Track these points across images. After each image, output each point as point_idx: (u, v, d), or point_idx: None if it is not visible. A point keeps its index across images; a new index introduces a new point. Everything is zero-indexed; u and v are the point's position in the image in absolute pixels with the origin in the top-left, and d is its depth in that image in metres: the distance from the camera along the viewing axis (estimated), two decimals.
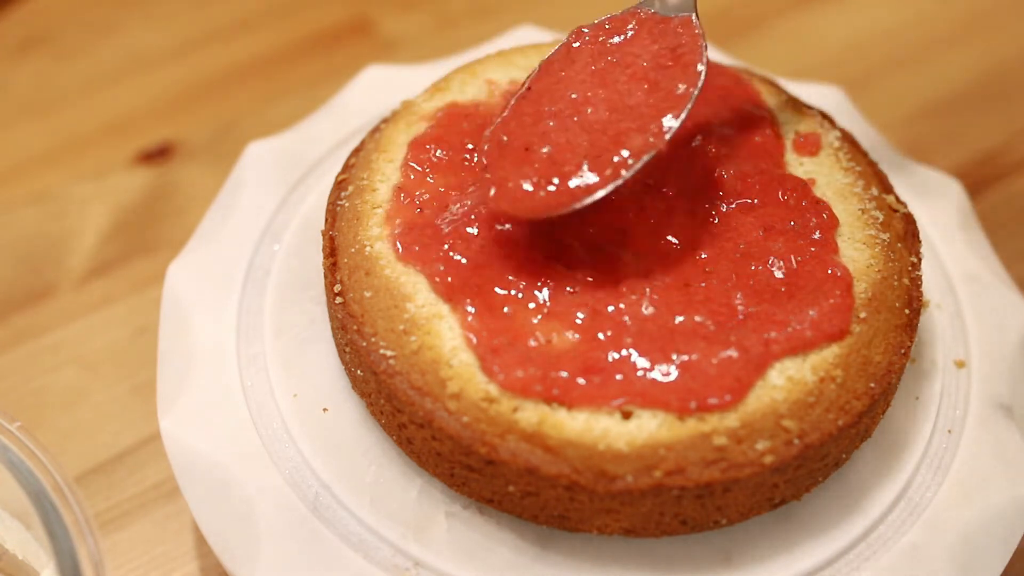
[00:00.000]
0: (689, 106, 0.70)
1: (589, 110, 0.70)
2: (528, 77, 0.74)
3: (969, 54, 1.19)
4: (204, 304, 0.78)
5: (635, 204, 0.73)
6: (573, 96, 0.71)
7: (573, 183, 0.68)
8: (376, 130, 0.81)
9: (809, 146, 0.78)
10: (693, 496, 0.65)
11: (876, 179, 0.78)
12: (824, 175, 0.77)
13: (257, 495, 0.70)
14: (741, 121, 0.79)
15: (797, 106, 0.82)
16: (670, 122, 0.69)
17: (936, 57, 1.19)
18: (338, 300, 0.71)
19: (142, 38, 1.19)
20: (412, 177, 0.74)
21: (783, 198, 0.74)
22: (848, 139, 0.81)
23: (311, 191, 0.85)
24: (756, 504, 0.68)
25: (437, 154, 0.75)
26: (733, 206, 0.73)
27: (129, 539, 0.82)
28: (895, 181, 0.82)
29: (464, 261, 0.69)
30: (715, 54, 0.95)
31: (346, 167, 0.79)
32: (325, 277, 0.74)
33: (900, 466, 0.72)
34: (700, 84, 0.71)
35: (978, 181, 1.06)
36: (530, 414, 0.65)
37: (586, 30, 0.74)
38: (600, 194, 0.67)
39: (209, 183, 1.02)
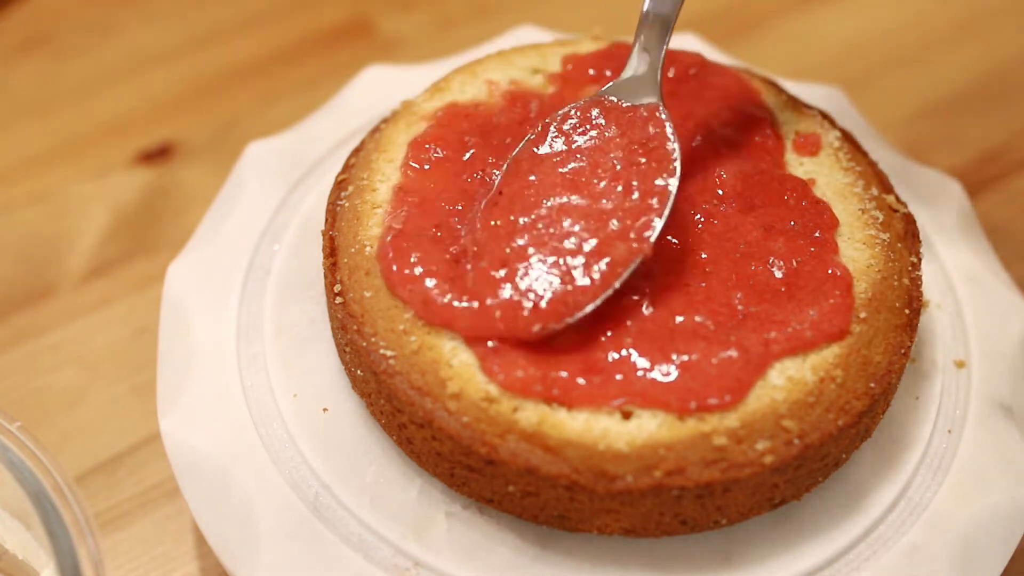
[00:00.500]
0: (670, 202, 0.68)
1: (566, 222, 0.68)
2: (499, 176, 0.71)
3: (969, 54, 1.19)
4: (204, 304, 0.78)
5: None
6: (547, 204, 0.69)
7: (559, 301, 0.66)
8: (376, 130, 0.81)
9: (809, 146, 0.78)
10: (693, 496, 0.65)
11: (876, 179, 0.78)
12: (824, 175, 0.77)
13: (257, 495, 0.70)
14: (741, 121, 0.79)
15: (797, 106, 0.82)
16: (654, 222, 0.67)
17: (936, 57, 1.19)
18: (338, 300, 0.71)
19: (142, 38, 1.19)
20: (412, 177, 0.74)
21: (783, 198, 0.74)
22: (848, 139, 0.81)
23: (311, 191, 0.85)
24: (756, 504, 0.68)
25: (437, 154, 0.75)
26: (733, 206, 0.73)
27: (129, 539, 0.82)
28: (895, 181, 0.82)
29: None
30: (715, 54, 0.95)
31: (346, 167, 0.79)
32: (325, 277, 0.74)
33: (900, 466, 0.72)
34: (678, 176, 0.69)
35: (978, 181, 1.06)
36: (530, 414, 0.65)
37: (552, 123, 0.72)
38: (590, 308, 0.66)
39: (209, 183, 1.02)
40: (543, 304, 0.66)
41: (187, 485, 0.71)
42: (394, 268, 0.69)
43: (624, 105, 0.73)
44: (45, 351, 0.92)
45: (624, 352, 0.66)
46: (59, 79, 1.14)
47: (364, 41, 1.19)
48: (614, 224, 0.68)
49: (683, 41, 0.98)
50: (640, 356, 0.66)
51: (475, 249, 0.68)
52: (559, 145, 0.71)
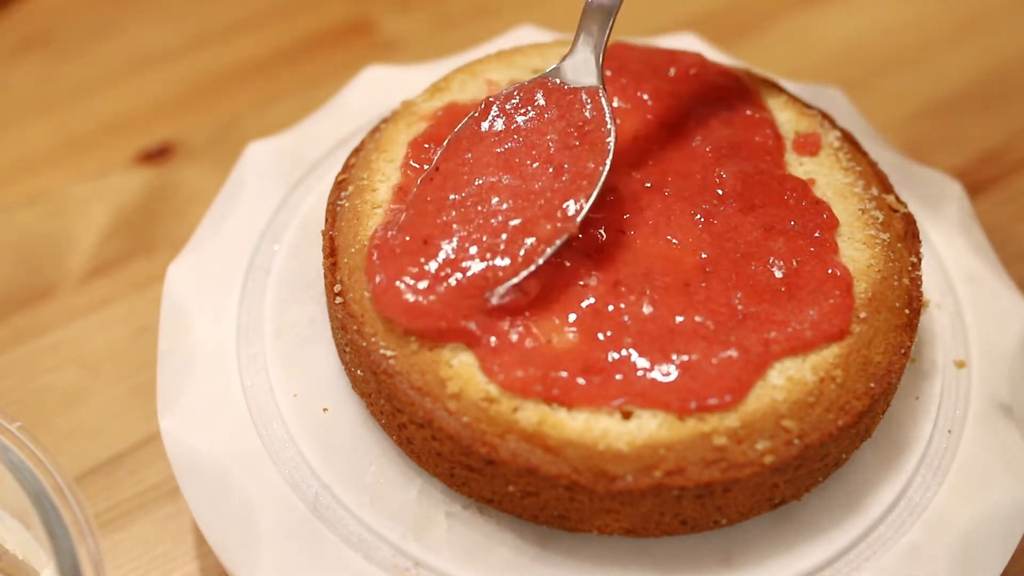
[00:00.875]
0: (601, 183, 0.70)
1: (494, 199, 0.69)
2: (438, 154, 0.73)
3: (969, 54, 1.19)
4: (204, 304, 0.78)
5: (635, 204, 0.73)
6: (478, 183, 0.70)
7: (479, 275, 0.67)
8: (376, 130, 0.81)
9: (809, 146, 0.78)
10: (693, 496, 0.65)
11: (876, 179, 0.78)
12: (824, 175, 0.77)
13: (257, 495, 0.70)
14: (741, 121, 0.79)
15: (797, 106, 0.82)
16: (579, 205, 0.69)
17: (936, 57, 1.19)
18: (338, 300, 0.71)
19: (142, 38, 1.19)
20: (412, 177, 0.74)
21: (783, 198, 0.74)
22: (848, 139, 0.81)
23: (311, 191, 0.85)
24: (756, 504, 0.68)
25: (437, 154, 0.75)
26: (733, 206, 0.73)
27: (129, 539, 0.82)
28: (895, 181, 0.82)
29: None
30: (715, 54, 0.95)
31: (346, 167, 0.79)
32: (325, 277, 0.74)
33: (900, 466, 0.72)
34: (609, 159, 0.70)
35: (978, 181, 1.06)
36: (530, 414, 0.65)
37: (495, 102, 0.74)
38: (510, 283, 0.67)
39: (209, 183, 1.02)
40: (463, 277, 0.67)
41: (187, 485, 0.71)
42: (378, 279, 0.68)
43: (566, 87, 0.74)
44: (45, 351, 0.92)
45: (624, 352, 0.66)
46: (59, 79, 1.14)
47: (364, 41, 1.19)
48: (541, 204, 0.69)
49: (683, 41, 0.98)
50: (640, 356, 0.66)
51: (406, 224, 0.69)
52: (499, 124, 0.73)
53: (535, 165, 0.71)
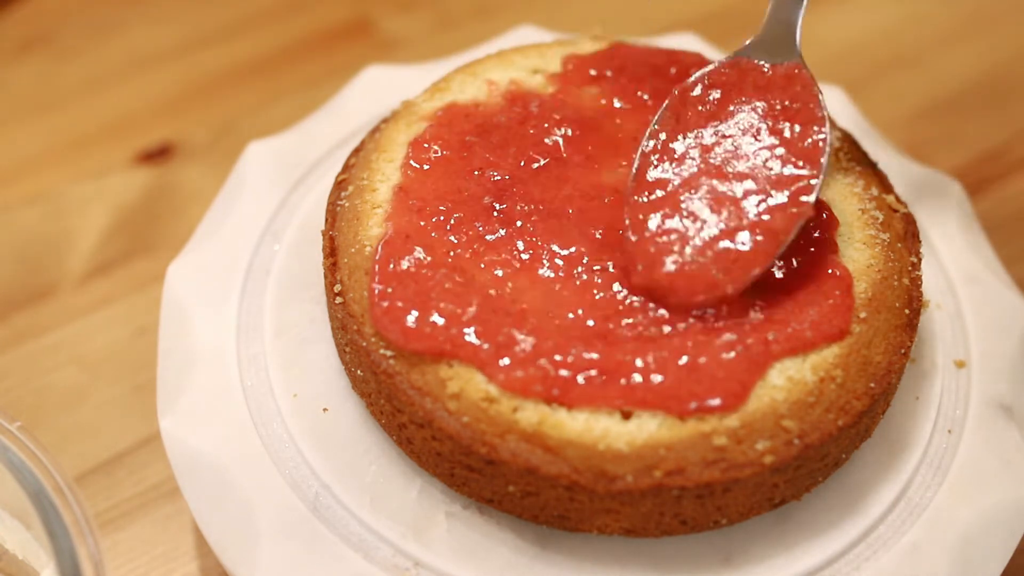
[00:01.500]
0: (827, 154, 0.69)
1: (724, 212, 0.68)
2: (636, 160, 0.71)
3: (969, 54, 1.19)
4: (204, 304, 0.78)
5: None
6: (694, 197, 0.69)
7: (725, 271, 0.67)
8: (376, 130, 0.81)
9: None
10: (693, 496, 0.65)
11: (876, 179, 0.78)
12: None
13: (257, 495, 0.70)
14: None
15: None
16: (811, 183, 0.68)
17: (936, 57, 1.19)
18: (338, 300, 0.71)
19: (142, 38, 1.19)
20: (412, 177, 0.74)
21: None
22: (848, 139, 0.81)
23: (311, 191, 0.85)
24: (756, 504, 0.68)
25: (437, 154, 0.75)
26: None
27: (129, 539, 0.82)
28: (895, 181, 0.82)
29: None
30: (715, 54, 0.95)
31: (346, 167, 0.79)
32: (325, 277, 0.74)
33: (900, 466, 0.72)
34: (828, 125, 0.70)
35: (978, 181, 1.06)
36: (530, 414, 0.65)
37: (691, 93, 0.71)
38: (756, 273, 0.67)
39: (209, 183, 1.02)
40: (710, 276, 0.67)
41: (187, 485, 0.71)
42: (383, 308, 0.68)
43: (763, 67, 0.73)
44: (45, 351, 0.92)
45: (624, 352, 0.66)
46: (60, 79, 1.14)
47: (364, 41, 1.19)
48: (765, 196, 0.68)
49: (683, 41, 0.98)
50: (640, 356, 0.66)
51: (633, 238, 0.68)
52: (695, 122, 0.71)
53: (750, 162, 0.69)
